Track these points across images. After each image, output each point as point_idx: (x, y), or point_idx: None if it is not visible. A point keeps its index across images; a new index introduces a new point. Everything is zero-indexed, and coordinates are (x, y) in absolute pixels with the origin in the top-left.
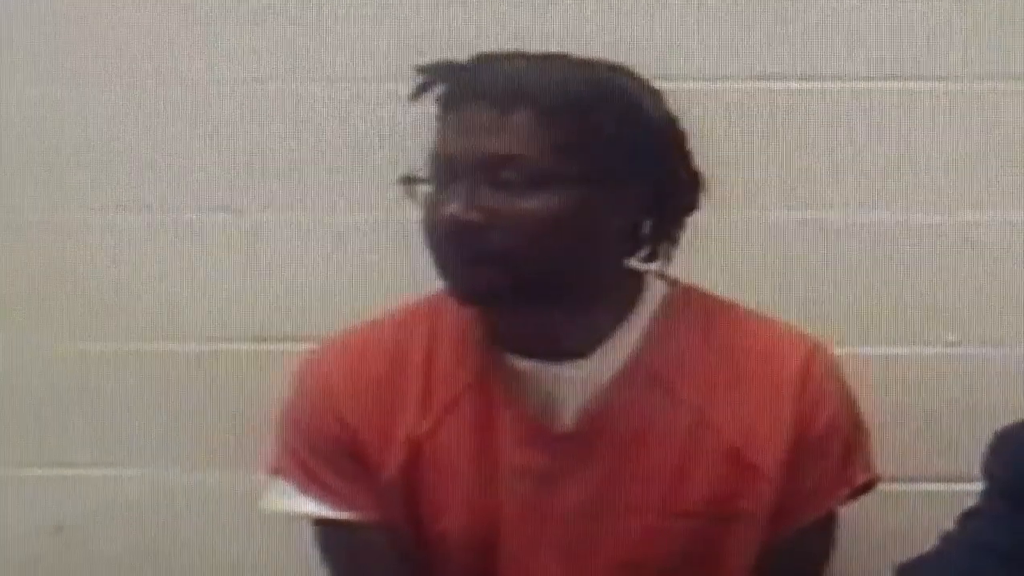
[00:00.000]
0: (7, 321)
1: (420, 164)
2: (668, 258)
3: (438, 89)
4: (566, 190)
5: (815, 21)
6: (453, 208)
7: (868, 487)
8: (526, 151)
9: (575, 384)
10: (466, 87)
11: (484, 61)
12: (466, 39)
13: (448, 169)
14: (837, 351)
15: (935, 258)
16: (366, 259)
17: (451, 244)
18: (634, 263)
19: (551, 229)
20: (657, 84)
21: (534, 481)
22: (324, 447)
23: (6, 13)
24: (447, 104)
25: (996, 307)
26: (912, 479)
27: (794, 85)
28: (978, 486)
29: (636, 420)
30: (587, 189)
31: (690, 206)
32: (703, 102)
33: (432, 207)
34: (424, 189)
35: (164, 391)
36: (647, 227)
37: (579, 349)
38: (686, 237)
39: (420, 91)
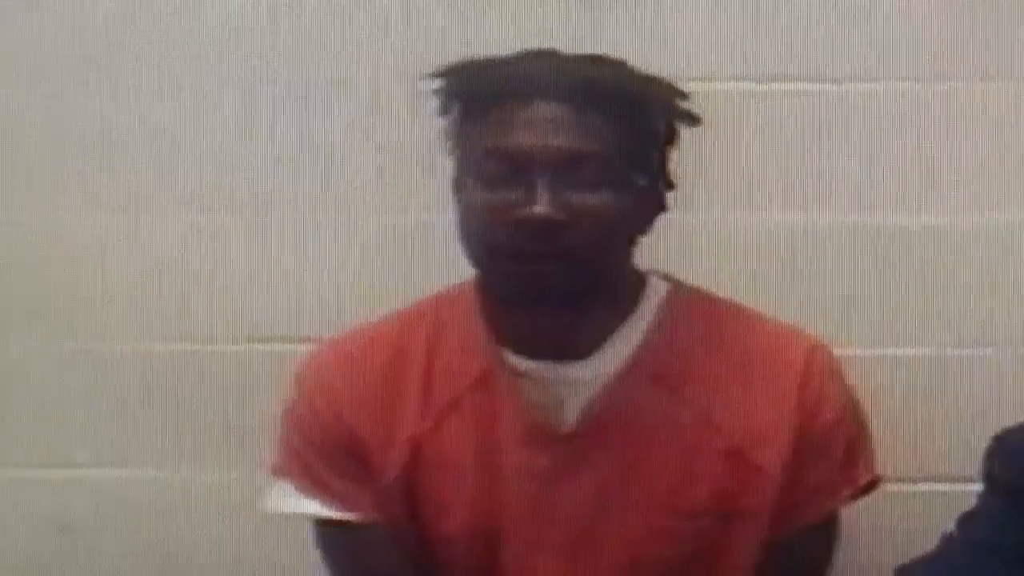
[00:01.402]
0: (9, 321)
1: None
2: None
3: (481, 85)
4: (627, 189)
5: (818, 23)
6: (542, 207)
7: (870, 487)
8: (602, 149)
9: (577, 383)
10: (532, 83)
11: (532, 59)
12: (477, 39)
13: (522, 165)
14: (838, 352)
15: (936, 260)
16: (365, 260)
17: (533, 242)
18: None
19: (618, 228)
20: None
21: (537, 480)
22: (325, 448)
23: (6, 14)
24: (506, 100)
25: (996, 308)
26: (913, 479)
27: (795, 86)
28: (979, 487)
29: (638, 419)
30: (640, 189)
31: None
32: (705, 103)
33: (497, 204)
34: (473, 186)
35: (166, 391)
36: None
37: (582, 348)
38: (689, 237)
39: (466, 87)
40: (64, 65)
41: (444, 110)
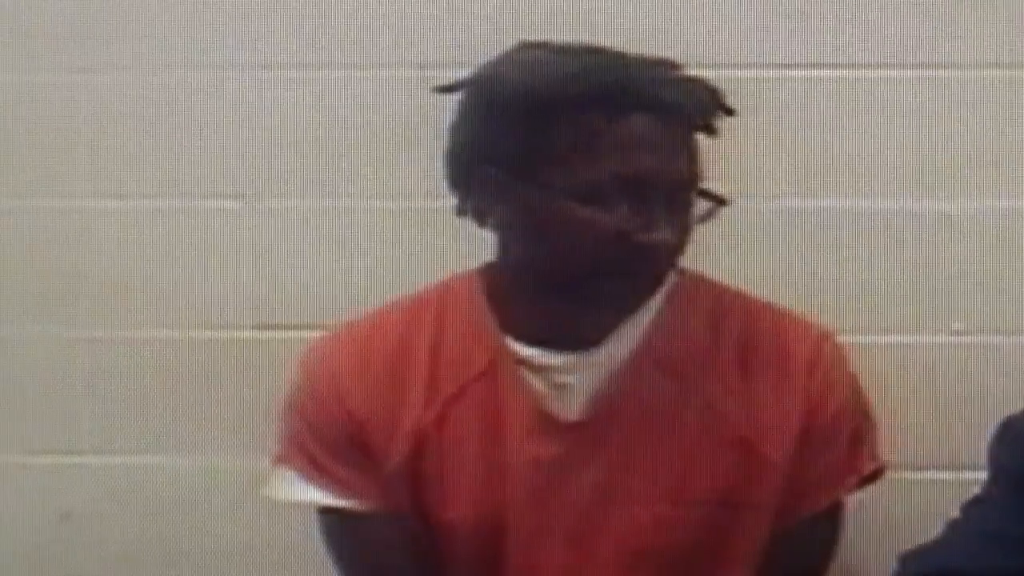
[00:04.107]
0: (13, 309)
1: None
2: None
3: (584, 95)
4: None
5: (831, 9)
6: (663, 233)
7: (875, 476)
8: (697, 169)
9: (585, 372)
10: (635, 97)
11: (613, 64)
12: (493, 25)
13: (642, 188)
14: (844, 339)
15: (942, 246)
16: (371, 247)
17: (644, 264)
18: None
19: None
20: None
21: (542, 470)
22: (330, 436)
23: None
24: (616, 114)
25: (1002, 295)
26: (918, 467)
27: (807, 73)
28: (984, 474)
29: (645, 409)
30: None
31: None
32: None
33: (613, 225)
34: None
35: (169, 378)
36: None
37: (590, 337)
38: (698, 225)
39: (569, 97)
40: (70, 47)
41: (524, 115)
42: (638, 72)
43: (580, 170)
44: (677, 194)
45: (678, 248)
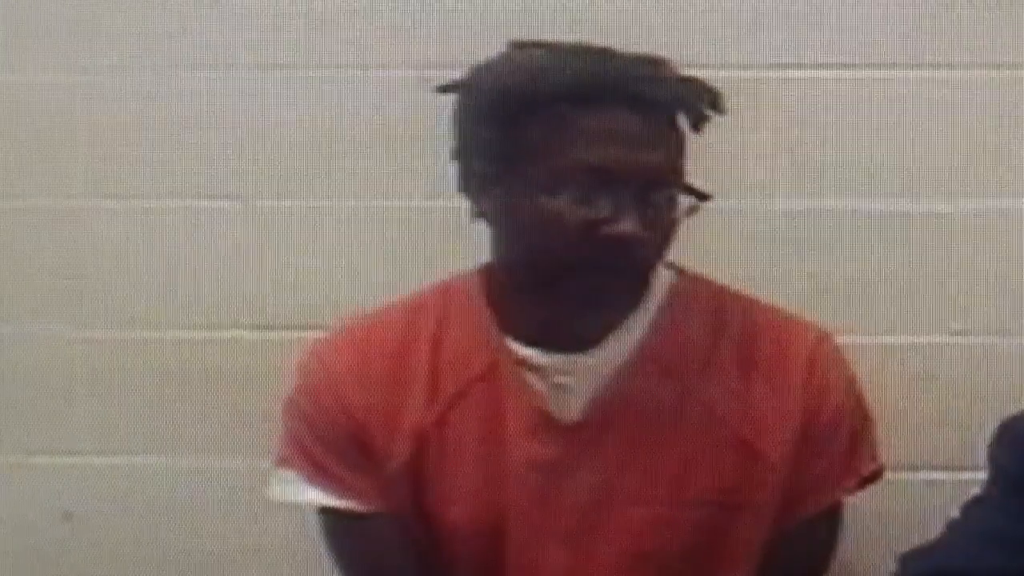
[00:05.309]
0: (15, 309)
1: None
2: None
3: (563, 90)
4: (680, 200)
5: (827, 9)
6: (630, 225)
7: (875, 477)
8: (676, 164)
9: (584, 374)
10: (615, 90)
11: (599, 60)
12: (490, 26)
13: (613, 180)
14: (842, 340)
15: (940, 246)
16: (371, 247)
17: (614, 258)
18: None
19: (673, 239)
20: None
21: (542, 471)
22: (330, 437)
23: (18, 2)
24: (591, 108)
25: (1001, 295)
26: (917, 467)
27: (803, 74)
28: (983, 474)
29: (644, 410)
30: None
31: None
32: None
33: (583, 218)
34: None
35: (169, 378)
36: None
37: (589, 339)
38: (697, 224)
39: (545, 91)
40: (71, 49)
41: (504, 111)
42: (616, 67)
43: (553, 163)
44: (653, 188)
45: (655, 242)
